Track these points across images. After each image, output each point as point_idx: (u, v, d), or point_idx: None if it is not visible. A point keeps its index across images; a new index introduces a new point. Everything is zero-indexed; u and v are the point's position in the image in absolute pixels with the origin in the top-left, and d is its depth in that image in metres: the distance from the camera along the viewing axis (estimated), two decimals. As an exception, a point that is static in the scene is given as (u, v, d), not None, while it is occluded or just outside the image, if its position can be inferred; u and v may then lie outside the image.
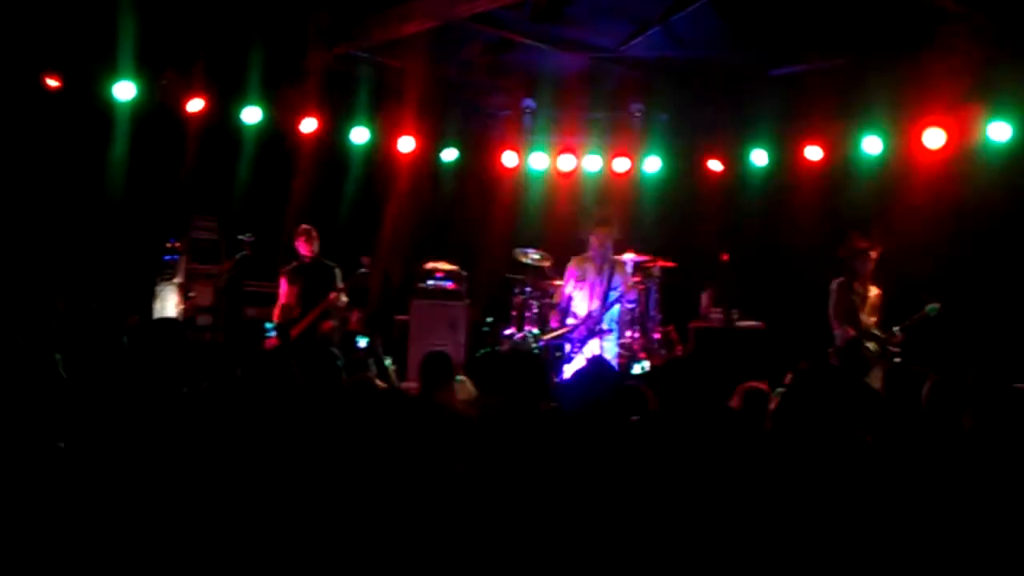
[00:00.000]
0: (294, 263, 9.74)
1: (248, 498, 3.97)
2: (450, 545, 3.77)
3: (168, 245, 10.90)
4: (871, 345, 8.98)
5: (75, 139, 10.07)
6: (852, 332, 9.01)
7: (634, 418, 4.77)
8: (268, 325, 10.15)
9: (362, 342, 10.68)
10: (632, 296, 9.72)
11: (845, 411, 4.41)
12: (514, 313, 10.51)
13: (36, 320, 7.31)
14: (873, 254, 9.13)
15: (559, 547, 3.85)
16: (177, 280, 10.75)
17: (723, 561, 3.82)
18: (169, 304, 10.74)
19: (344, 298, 9.72)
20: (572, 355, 9.45)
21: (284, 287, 9.74)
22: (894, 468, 4.30)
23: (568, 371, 9.18)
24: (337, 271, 9.74)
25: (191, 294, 10.43)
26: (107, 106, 9.95)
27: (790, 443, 4.44)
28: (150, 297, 10.83)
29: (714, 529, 3.92)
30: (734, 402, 5.44)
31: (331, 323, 9.81)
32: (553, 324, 9.78)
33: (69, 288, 9.80)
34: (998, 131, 9.80)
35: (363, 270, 9.83)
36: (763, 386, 5.57)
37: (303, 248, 9.65)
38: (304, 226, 9.76)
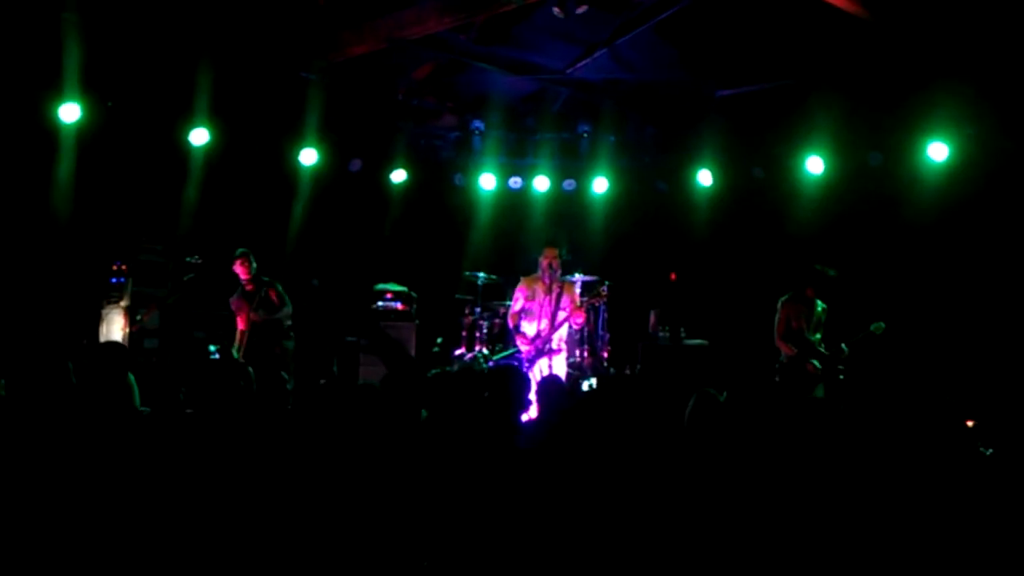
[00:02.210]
0: (238, 289, 9.89)
1: (195, 517, 3.96)
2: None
3: (114, 268, 10.78)
4: (815, 362, 9.12)
5: (20, 160, 9.95)
6: (795, 350, 9.16)
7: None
8: (212, 348, 10.17)
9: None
10: (581, 315, 9.78)
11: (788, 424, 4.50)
12: (464, 333, 10.54)
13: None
14: (830, 280, 9.32)
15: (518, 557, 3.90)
16: (123, 303, 10.62)
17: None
18: (115, 327, 10.60)
19: (260, 313, 9.78)
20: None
21: (237, 315, 9.93)
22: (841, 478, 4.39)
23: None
24: (274, 285, 9.85)
25: (137, 317, 10.32)
26: (52, 127, 9.84)
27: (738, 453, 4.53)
28: (96, 320, 10.70)
29: (670, 535, 3.99)
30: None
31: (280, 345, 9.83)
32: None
33: (13, 310, 9.69)
34: (936, 151, 10.02)
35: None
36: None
37: (241, 273, 9.82)
38: (240, 250, 9.88)
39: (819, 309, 9.32)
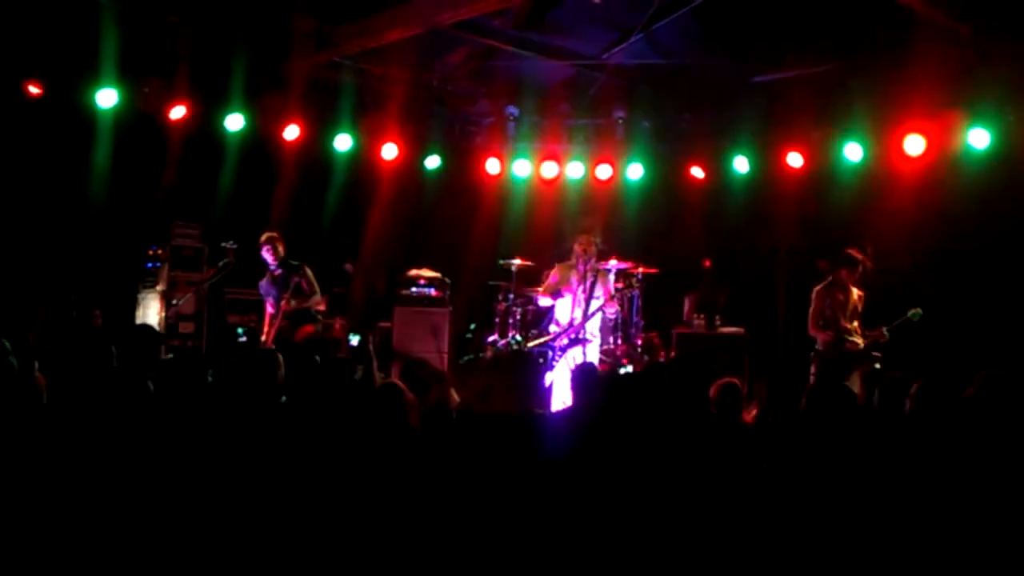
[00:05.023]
0: (266, 274, 9.89)
1: (218, 501, 3.98)
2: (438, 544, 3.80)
3: (150, 252, 10.88)
4: (858, 341, 9.05)
5: (57, 146, 10.02)
6: (831, 337, 9.07)
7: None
8: (240, 331, 10.22)
9: (353, 340, 10.74)
10: (614, 305, 9.73)
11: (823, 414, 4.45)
12: (497, 320, 10.52)
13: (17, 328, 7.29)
14: (866, 265, 9.24)
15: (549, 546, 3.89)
16: (159, 288, 10.72)
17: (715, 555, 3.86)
18: (151, 311, 10.71)
19: (292, 303, 9.77)
20: (554, 362, 9.46)
21: (265, 300, 9.94)
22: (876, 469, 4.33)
23: (550, 378, 9.16)
24: (304, 269, 9.85)
25: (173, 301, 10.39)
26: (89, 113, 9.91)
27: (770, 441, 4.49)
28: (132, 304, 10.80)
29: (703, 524, 3.96)
30: (712, 394, 5.51)
31: (311, 327, 9.82)
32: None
33: (51, 295, 9.79)
34: (977, 138, 9.85)
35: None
36: (736, 381, 5.67)
37: (269, 257, 9.79)
38: (265, 235, 9.85)
39: (855, 296, 9.23)
